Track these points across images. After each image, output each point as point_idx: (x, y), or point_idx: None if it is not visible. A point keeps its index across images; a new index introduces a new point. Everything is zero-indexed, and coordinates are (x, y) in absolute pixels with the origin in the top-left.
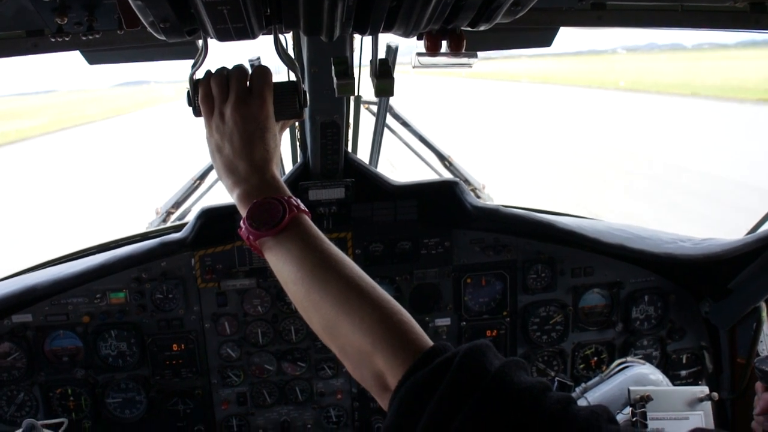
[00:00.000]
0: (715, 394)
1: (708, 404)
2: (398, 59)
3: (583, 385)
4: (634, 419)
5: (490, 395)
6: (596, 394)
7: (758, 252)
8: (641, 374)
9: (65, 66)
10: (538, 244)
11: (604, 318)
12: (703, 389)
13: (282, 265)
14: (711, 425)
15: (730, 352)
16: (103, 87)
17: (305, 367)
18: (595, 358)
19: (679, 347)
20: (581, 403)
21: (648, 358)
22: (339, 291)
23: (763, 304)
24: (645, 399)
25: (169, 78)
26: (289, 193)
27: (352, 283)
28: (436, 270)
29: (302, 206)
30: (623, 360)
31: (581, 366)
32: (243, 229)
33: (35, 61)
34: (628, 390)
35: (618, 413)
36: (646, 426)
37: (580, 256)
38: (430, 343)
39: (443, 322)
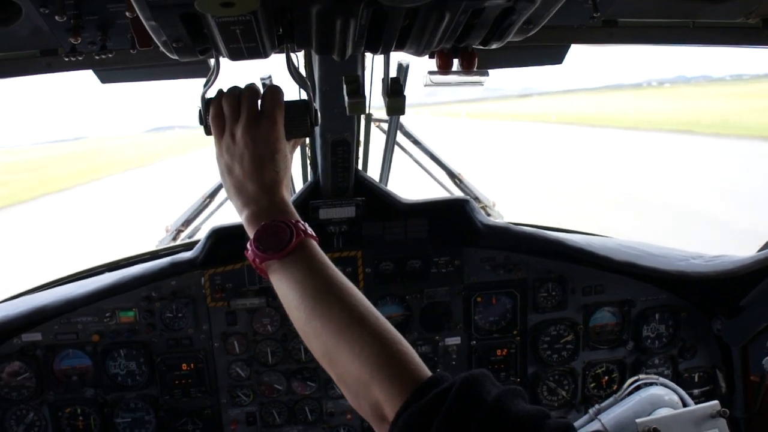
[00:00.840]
0: (726, 410)
1: (722, 421)
2: (421, 100)
3: (597, 406)
4: None
5: (488, 424)
6: (610, 416)
7: None
8: (656, 396)
9: (95, 112)
10: (549, 262)
11: (615, 336)
12: (713, 405)
13: (286, 289)
14: None
15: (742, 370)
16: (133, 133)
17: (315, 387)
18: (606, 377)
19: (690, 366)
20: (594, 425)
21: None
22: (340, 319)
23: None
24: None
25: (192, 123)
26: (297, 216)
27: (354, 312)
28: (446, 288)
29: (310, 231)
30: (636, 378)
31: (592, 385)
32: (249, 251)
33: (66, 108)
34: (636, 423)
35: None
36: None
37: (591, 274)
38: (429, 373)
39: (453, 341)
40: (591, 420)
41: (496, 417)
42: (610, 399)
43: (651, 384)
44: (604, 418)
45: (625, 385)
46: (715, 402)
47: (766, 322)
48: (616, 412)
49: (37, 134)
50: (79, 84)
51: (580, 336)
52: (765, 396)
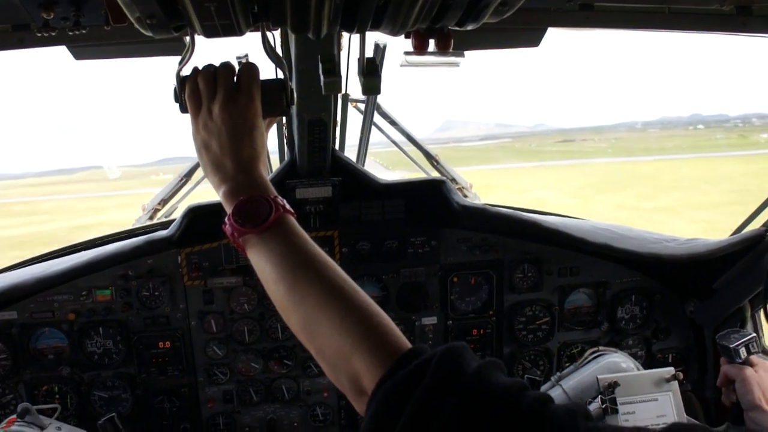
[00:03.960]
0: (680, 374)
1: (675, 384)
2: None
3: (558, 374)
4: (604, 405)
5: (468, 396)
6: (570, 382)
7: (742, 252)
8: (613, 362)
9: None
10: (525, 243)
11: (590, 317)
12: (668, 370)
13: (264, 263)
14: (679, 404)
15: (714, 351)
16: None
17: (291, 366)
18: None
19: (664, 347)
20: (556, 390)
21: (633, 358)
22: (320, 292)
23: (747, 304)
24: (613, 385)
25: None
26: (275, 192)
27: (335, 285)
28: (423, 269)
29: (288, 206)
30: (596, 349)
31: (567, 365)
32: (227, 226)
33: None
34: (597, 378)
35: (592, 400)
36: (616, 411)
37: (567, 255)
38: (409, 345)
39: (430, 320)
40: (553, 386)
41: (476, 389)
42: (571, 367)
43: (609, 353)
44: (565, 384)
45: (585, 354)
46: (670, 368)
47: (738, 305)
48: (577, 378)
49: (43, 163)
50: (96, 109)
51: (556, 317)
52: None
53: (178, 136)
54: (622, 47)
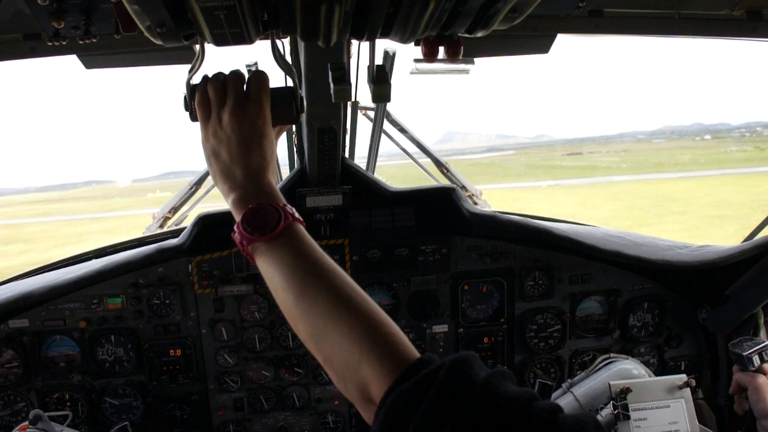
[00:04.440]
0: (693, 381)
1: (687, 391)
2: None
3: (569, 380)
4: (616, 411)
5: (477, 406)
6: (582, 389)
7: (755, 259)
8: (624, 369)
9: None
10: (536, 251)
11: (602, 325)
12: (681, 377)
13: (273, 271)
14: (692, 411)
15: (727, 358)
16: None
17: (302, 373)
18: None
19: (676, 354)
20: (567, 397)
21: (646, 366)
22: (329, 301)
23: (760, 311)
24: (625, 391)
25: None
26: (284, 201)
27: (343, 294)
28: (433, 277)
29: (297, 215)
30: (606, 356)
31: (578, 372)
32: (236, 234)
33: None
34: (609, 384)
35: (604, 407)
36: (628, 417)
37: (578, 263)
38: (418, 354)
39: (441, 328)
40: (564, 393)
41: (484, 398)
42: (582, 374)
43: (620, 360)
44: (577, 391)
45: (597, 362)
46: (683, 375)
47: (751, 312)
48: (588, 385)
49: (46, 177)
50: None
51: (567, 324)
52: None
53: (182, 150)
54: (621, 56)
